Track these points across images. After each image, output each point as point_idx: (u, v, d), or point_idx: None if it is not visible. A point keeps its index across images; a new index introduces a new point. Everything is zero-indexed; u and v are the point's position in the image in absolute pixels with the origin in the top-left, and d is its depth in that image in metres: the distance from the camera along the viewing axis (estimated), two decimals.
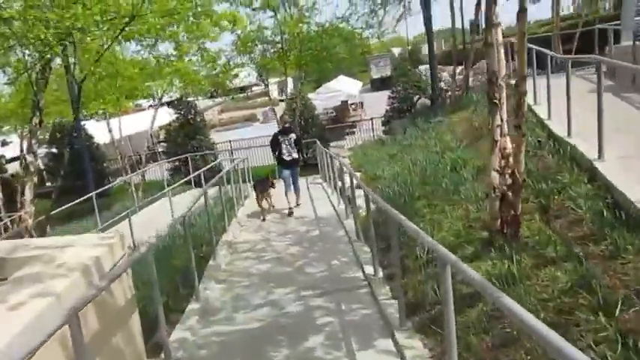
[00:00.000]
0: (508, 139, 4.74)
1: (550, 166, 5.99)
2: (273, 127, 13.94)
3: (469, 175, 7.18)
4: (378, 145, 13.50)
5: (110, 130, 18.30)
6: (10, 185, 20.18)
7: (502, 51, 4.73)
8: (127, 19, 6.16)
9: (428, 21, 12.58)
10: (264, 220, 9.59)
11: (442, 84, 34.28)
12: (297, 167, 10.36)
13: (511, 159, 4.68)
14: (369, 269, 5.75)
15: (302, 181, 14.50)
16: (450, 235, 5.54)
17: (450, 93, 15.11)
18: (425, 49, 62.77)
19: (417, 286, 4.87)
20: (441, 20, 75.07)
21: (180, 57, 16.93)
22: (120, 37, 11.53)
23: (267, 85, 21.66)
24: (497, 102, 4.66)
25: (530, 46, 7.79)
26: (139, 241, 9.68)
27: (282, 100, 22.03)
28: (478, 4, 12.85)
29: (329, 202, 10.63)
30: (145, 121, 23.83)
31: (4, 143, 36.04)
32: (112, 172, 21.69)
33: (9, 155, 35.20)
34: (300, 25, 15.66)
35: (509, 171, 4.70)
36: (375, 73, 53.25)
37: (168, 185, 15.94)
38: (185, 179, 13.31)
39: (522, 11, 4.48)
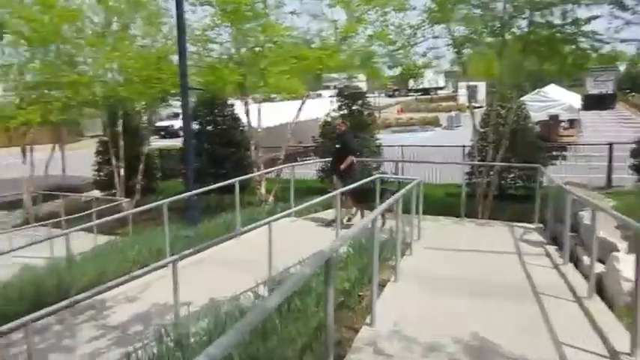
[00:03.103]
0: None
1: None
2: (458, 134, 9.51)
3: None
4: None
5: (247, 113, 14.40)
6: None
7: None
8: None
9: None
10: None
11: None
12: None
13: None
14: None
15: (506, 231, 8.69)
16: None
17: None
18: None
19: None
20: None
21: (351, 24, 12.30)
22: None
23: (458, 86, 15.94)
24: None
25: None
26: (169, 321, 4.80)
27: (475, 107, 16.03)
28: None
29: (588, 324, 4.75)
30: (313, 108, 19.87)
31: (176, 115, 36.18)
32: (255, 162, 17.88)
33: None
34: None
35: None
36: (592, 88, 42.95)
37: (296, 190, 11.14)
38: (306, 205, 8.05)
39: None
